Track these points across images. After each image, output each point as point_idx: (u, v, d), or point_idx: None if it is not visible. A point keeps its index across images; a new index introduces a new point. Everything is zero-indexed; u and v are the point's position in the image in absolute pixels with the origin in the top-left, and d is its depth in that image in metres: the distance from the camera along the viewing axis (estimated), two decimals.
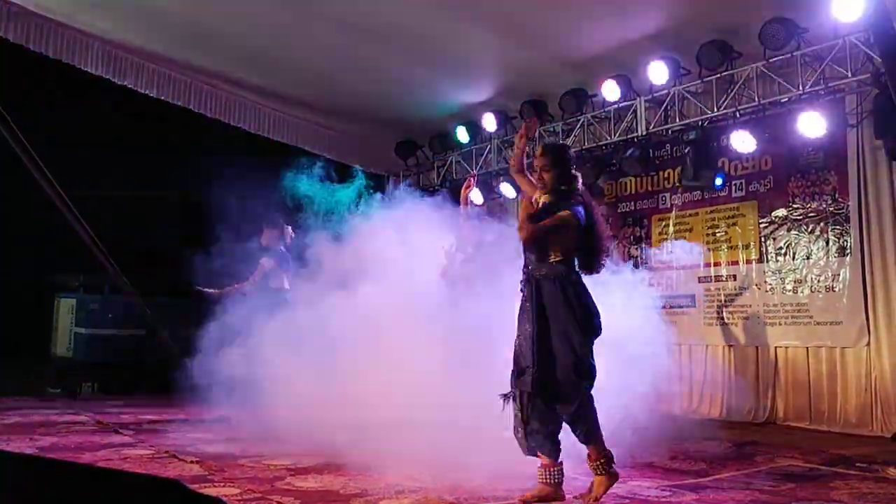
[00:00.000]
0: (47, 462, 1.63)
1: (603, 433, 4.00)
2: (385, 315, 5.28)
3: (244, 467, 4.53)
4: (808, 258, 7.01)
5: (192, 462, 4.61)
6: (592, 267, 4.15)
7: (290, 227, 7.06)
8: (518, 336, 4.00)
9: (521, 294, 4.05)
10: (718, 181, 7.47)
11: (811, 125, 6.54)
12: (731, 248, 7.62)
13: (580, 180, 4.18)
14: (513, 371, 3.97)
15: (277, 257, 6.91)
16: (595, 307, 4.03)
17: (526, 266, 4.08)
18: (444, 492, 3.91)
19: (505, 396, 3.95)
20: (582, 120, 8.50)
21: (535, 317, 3.90)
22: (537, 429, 3.85)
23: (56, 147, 8.19)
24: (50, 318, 9.64)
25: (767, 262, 7.32)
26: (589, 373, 3.88)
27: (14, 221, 9.79)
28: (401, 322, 5.16)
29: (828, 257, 6.87)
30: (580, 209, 4.05)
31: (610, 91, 7.92)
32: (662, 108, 7.80)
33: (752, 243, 7.45)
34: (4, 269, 7.48)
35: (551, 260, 3.99)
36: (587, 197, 4.21)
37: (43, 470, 1.57)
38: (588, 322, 3.93)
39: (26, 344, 9.58)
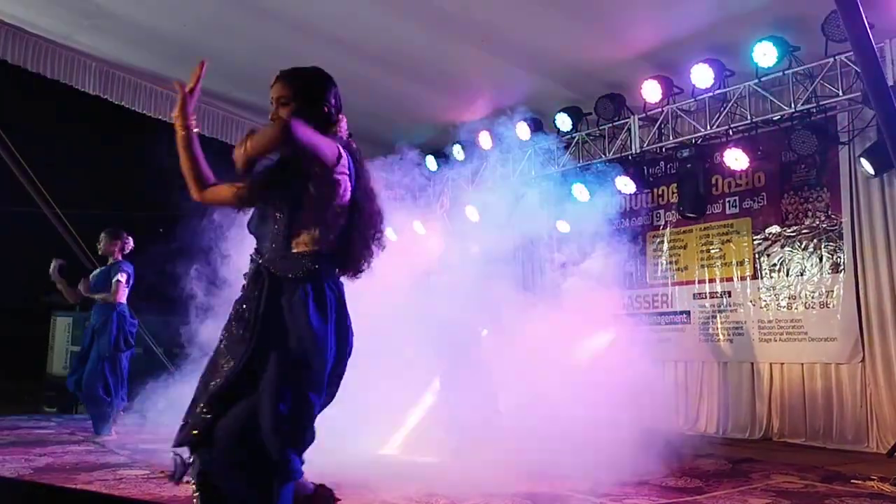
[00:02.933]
0: (40, 486, 1.65)
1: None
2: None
3: None
4: (801, 274, 7.04)
5: (187, 482, 4.60)
6: (348, 266, 2.69)
7: (128, 237, 7.02)
8: (222, 356, 2.50)
9: (242, 291, 2.62)
10: None
11: (803, 143, 6.60)
12: (726, 264, 7.66)
13: (345, 127, 2.75)
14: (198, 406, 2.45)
15: (127, 270, 6.90)
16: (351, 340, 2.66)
17: (256, 251, 2.64)
18: None
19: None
20: (577, 137, 8.55)
21: (252, 331, 2.44)
22: None
23: (52, 166, 8.22)
24: (46, 337, 9.64)
25: (762, 278, 7.35)
26: (291, 452, 2.41)
27: (10, 240, 9.81)
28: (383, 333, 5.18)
29: (821, 274, 6.90)
30: (348, 162, 2.62)
31: (604, 109, 7.99)
32: (656, 126, 7.86)
33: (746, 260, 7.49)
34: (1, 288, 7.50)
35: (296, 248, 2.53)
36: (358, 156, 2.73)
37: (36, 494, 1.59)
38: (339, 366, 2.61)
39: (23, 363, 9.58)
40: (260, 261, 2.58)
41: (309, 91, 2.68)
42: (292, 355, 2.44)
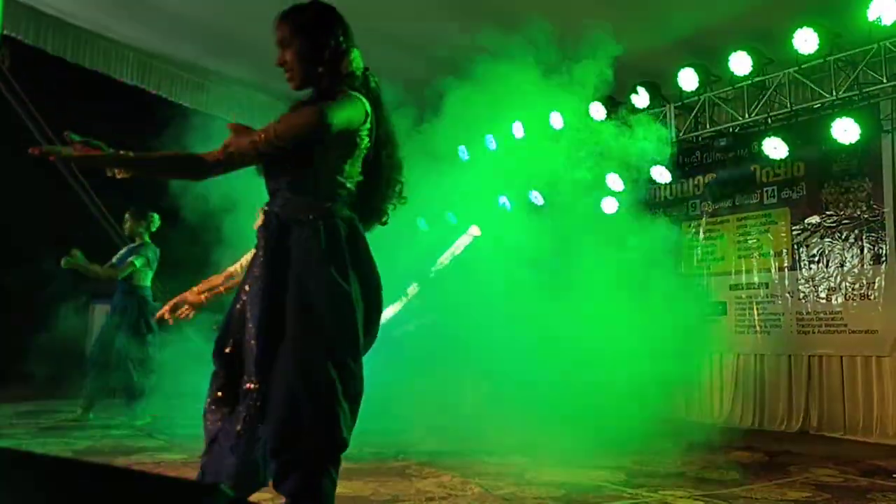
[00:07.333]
0: (84, 464, 1.66)
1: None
2: None
3: None
4: (841, 266, 6.91)
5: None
6: (371, 215, 2.54)
7: (155, 215, 6.84)
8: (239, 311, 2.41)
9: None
10: None
11: (845, 131, 6.45)
12: (763, 255, 7.54)
13: (360, 61, 2.51)
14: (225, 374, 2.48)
15: (147, 255, 6.74)
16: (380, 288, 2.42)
17: (268, 204, 2.45)
18: (472, 499, 3.91)
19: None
20: None
21: (265, 287, 2.28)
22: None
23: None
24: (85, 324, 9.80)
25: (800, 269, 7.23)
26: (343, 413, 2.26)
27: (50, 229, 9.99)
28: None
29: (862, 265, 6.77)
30: (362, 104, 2.41)
31: (639, 98, 7.88)
32: (692, 114, 7.75)
33: (784, 251, 7.36)
34: (43, 276, 7.63)
35: (310, 196, 2.35)
36: (377, 93, 2.53)
37: (80, 471, 1.59)
38: (373, 314, 2.38)
39: (63, 349, 9.76)
40: (276, 209, 2.39)
41: (312, 27, 2.43)
42: (310, 306, 2.24)
